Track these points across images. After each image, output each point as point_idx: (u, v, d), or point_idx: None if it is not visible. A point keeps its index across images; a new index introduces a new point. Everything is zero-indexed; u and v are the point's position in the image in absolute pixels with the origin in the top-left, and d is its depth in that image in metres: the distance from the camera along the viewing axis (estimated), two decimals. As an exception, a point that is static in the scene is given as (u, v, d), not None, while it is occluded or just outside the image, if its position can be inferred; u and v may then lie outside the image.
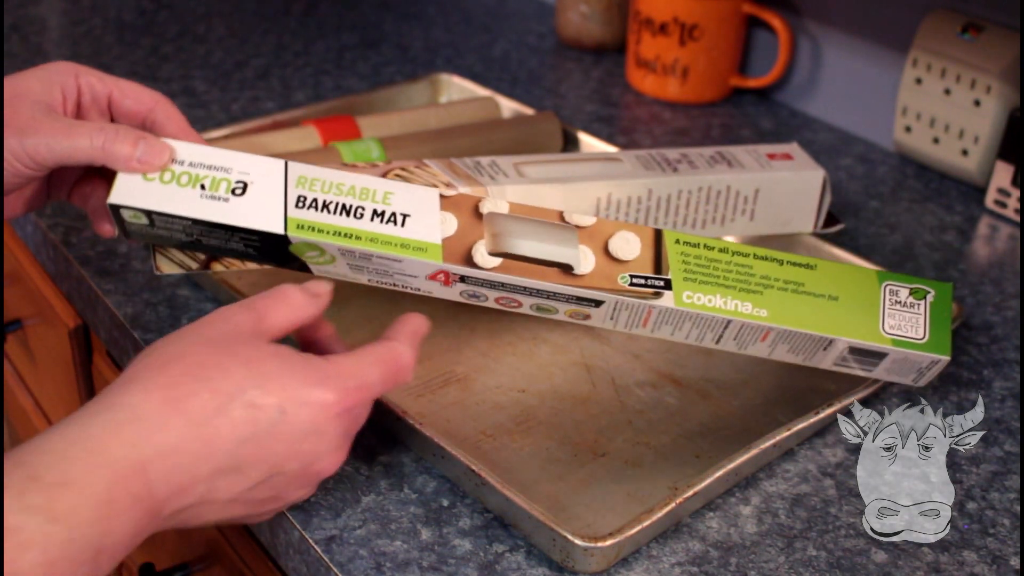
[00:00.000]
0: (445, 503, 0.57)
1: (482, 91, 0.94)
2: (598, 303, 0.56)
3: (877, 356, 0.58)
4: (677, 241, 0.56)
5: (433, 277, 0.55)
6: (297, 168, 0.54)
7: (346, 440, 0.50)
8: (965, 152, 0.89)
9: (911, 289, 0.57)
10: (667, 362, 0.68)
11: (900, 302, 0.57)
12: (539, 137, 0.86)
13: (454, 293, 0.57)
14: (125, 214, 0.54)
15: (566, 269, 0.55)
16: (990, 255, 0.82)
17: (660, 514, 0.53)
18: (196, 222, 0.53)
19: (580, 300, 0.56)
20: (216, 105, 0.98)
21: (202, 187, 0.53)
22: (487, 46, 1.15)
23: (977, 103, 0.86)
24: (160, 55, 1.09)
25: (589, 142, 0.87)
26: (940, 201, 0.89)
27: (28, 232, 0.83)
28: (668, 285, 0.55)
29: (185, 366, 0.46)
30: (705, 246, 0.56)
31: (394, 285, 0.57)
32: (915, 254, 0.81)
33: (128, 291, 0.72)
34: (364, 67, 1.08)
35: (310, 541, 0.54)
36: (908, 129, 0.92)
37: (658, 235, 0.56)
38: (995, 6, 0.86)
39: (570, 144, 0.88)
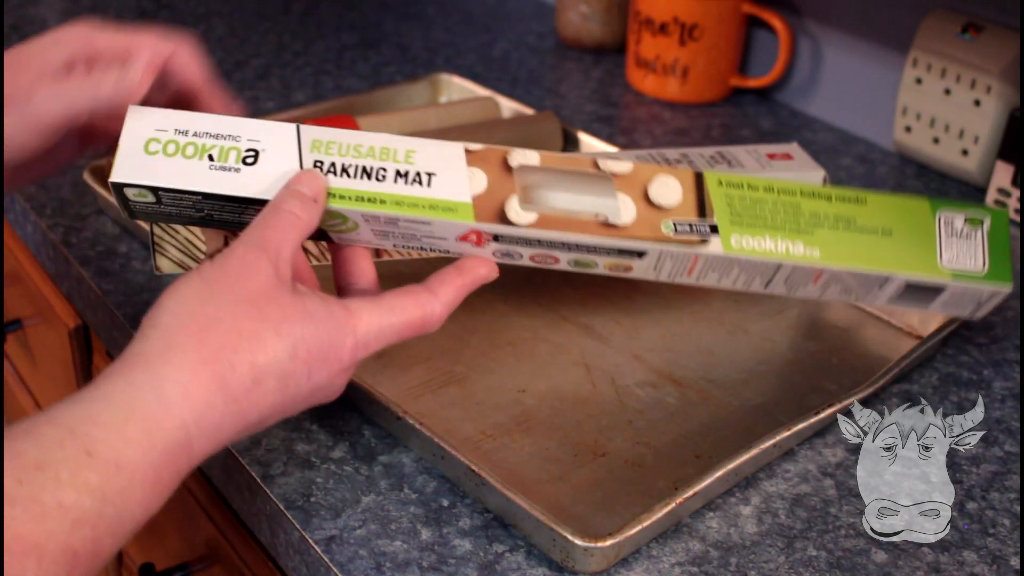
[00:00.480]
0: (445, 503, 0.57)
1: (482, 91, 0.94)
2: (641, 254, 0.53)
3: (935, 291, 0.55)
4: (720, 183, 0.53)
5: (464, 238, 0.52)
6: (310, 131, 0.51)
7: (345, 385, 0.52)
8: (965, 152, 0.89)
9: (967, 217, 0.54)
10: (667, 362, 0.68)
11: (956, 232, 0.54)
12: (539, 137, 0.86)
13: (486, 253, 0.54)
14: (129, 192, 0.51)
15: (605, 220, 0.52)
16: (990, 255, 0.82)
17: (660, 514, 0.53)
18: (207, 196, 0.50)
19: (622, 252, 0.53)
20: (216, 105, 0.98)
21: (210, 158, 0.50)
22: (487, 46, 1.15)
23: (977, 103, 0.86)
24: (160, 55, 1.08)
25: (589, 142, 0.87)
26: (940, 201, 0.89)
27: (28, 232, 0.83)
28: (715, 230, 0.52)
29: (223, 335, 0.46)
30: (749, 186, 0.53)
31: (422, 249, 0.54)
32: (915, 254, 0.81)
33: (128, 291, 0.72)
34: (364, 67, 1.08)
35: (310, 541, 0.54)
36: (908, 129, 0.92)
37: (699, 178, 0.53)
38: (995, 6, 0.86)
39: (570, 144, 0.88)
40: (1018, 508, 0.58)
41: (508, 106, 0.91)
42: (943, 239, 0.54)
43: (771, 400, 0.65)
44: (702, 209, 0.52)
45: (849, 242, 0.53)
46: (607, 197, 0.52)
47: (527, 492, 0.56)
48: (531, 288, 0.74)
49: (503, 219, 0.51)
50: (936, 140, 0.91)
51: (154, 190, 0.51)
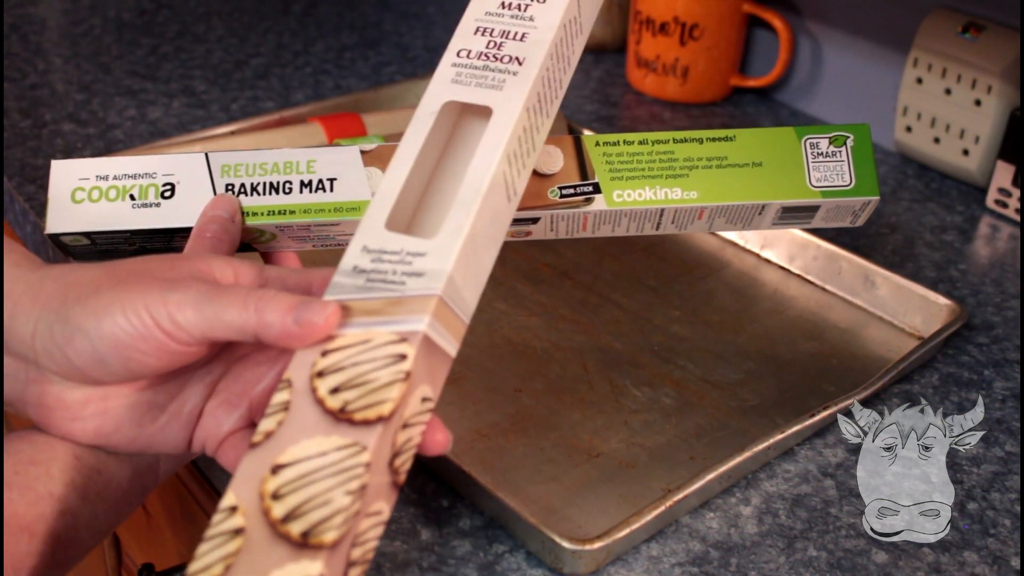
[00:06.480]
0: (445, 503, 0.57)
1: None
2: (535, 220, 0.56)
3: (810, 210, 0.58)
4: (597, 144, 0.56)
5: None
6: (219, 158, 0.55)
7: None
8: (966, 152, 0.89)
9: (831, 138, 0.57)
10: (665, 363, 0.68)
11: (822, 153, 0.57)
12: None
13: None
14: (65, 240, 0.55)
15: None
16: (991, 255, 0.82)
17: (649, 517, 0.53)
18: (135, 232, 0.54)
19: (517, 221, 0.56)
20: (216, 105, 0.98)
21: (132, 197, 0.54)
22: (487, 46, 1.14)
23: (978, 103, 0.86)
24: (160, 55, 1.08)
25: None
26: (941, 201, 0.89)
27: (28, 232, 0.83)
28: (597, 189, 0.56)
29: None
30: (624, 142, 0.57)
31: (339, 244, 0.58)
32: (915, 254, 0.81)
33: (127, 291, 0.72)
34: (364, 67, 1.08)
35: (308, 541, 0.54)
36: (909, 129, 0.92)
37: (578, 142, 0.56)
38: (995, 6, 0.86)
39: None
40: (1019, 508, 0.58)
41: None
42: (810, 161, 0.57)
43: (769, 401, 0.65)
44: (584, 171, 0.56)
45: (723, 179, 0.56)
46: None
47: (521, 493, 0.56)
48: (529, 287, 0.74)
49: None
50: (937, 140, 0.90)
51: (87, 234, 0.55)
